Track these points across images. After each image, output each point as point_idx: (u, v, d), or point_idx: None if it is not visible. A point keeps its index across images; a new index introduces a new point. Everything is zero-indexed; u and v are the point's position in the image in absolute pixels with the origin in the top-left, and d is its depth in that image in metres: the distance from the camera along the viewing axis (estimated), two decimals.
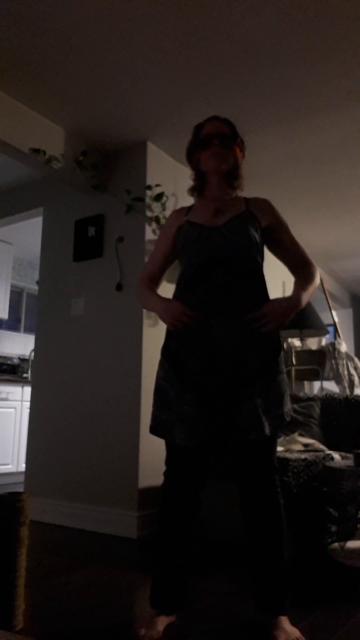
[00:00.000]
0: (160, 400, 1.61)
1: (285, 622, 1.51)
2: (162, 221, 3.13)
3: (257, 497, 1.56)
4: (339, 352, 4.29)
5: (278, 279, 4.33)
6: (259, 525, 1.56)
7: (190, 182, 1.81)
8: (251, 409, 1.50)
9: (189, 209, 1.77)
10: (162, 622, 1.54)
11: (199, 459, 1.59)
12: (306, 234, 4.69)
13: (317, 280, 1.69)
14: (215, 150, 1.67)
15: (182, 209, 1.79)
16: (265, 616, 1.54)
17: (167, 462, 1.64)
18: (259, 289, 1.61)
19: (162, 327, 3.06)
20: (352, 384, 4.18)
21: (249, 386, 1.52)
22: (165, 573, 1.58)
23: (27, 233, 4.82)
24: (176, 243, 1.73)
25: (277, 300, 1.59)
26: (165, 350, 1.64)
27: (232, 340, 1.53)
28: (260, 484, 1.56)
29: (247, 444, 1.54)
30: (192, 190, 1.79)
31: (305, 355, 4.15)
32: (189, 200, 1.94)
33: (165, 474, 1.63)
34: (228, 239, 1.60)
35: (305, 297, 1.62)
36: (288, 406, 1.59)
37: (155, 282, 1.78)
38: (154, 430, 1.61)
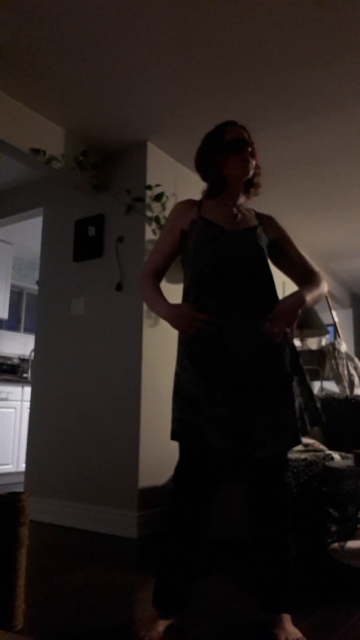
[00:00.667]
0: (186, 404, 1.55)
1: (287, 622, 1.51)
2: (162, 221, 3.12)
3: (267, 495, 1.57)
4: (339, 352, 4.29)
5: (278, 280, 4.32)
6: (266, 524, 1.56)
7: (194, 183, 1.81)
8: (292, 413, 1.53)
9: (199, 204, 1.72)
10: (162, 623, 1.54)
11: (217, 461, 1.56)
12: (306, 234, 4.69)
13: (323, 286, 1.69)
14: (245, 157, 1.67)
15: (191, 202, 1.73)
16: (268, 614, 1.54)
17: (182, 463, 1.59)
18: (270, 295, 1.63)
19: (161, 327, 3.07)
20: (352, 384, 4.18)
21: (284, 389, 1.54)
22: (170, 575, 1.56)
23: (27, 233, 4.82)
24: (186, 237, 1.69)
25: (281, 300, 1.59)
26: (190, 352, 1.58)
27: (247, 344, 1.54)
28: (270, 482, 1.57)
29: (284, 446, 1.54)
30: (209, 192, 1.74)
31: (305, 355, 4.15)
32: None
33: (178, 475, 1.59)
34: (243, 247, 1.61)
35: (309, 295, 1.60)
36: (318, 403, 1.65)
37: (159, 277, 1.74)
38: (179, 434, 1.55)
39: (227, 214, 1.67)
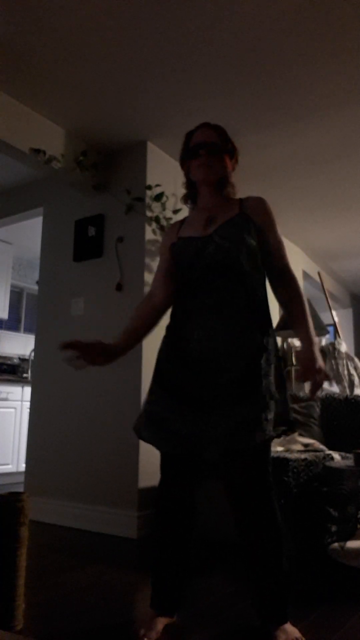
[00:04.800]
0: (146, 401, 1.65)
1: (286, 623, 1.50)
2: (162, 221, 3.13)
3: (251, 512, 1.50)
4: (339, 352, 4.29)
5: None
6: (254, 539, 1.50)
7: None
8: (251, 411, 1.45)
9: (181, 223, 1.75)
10: (161, 622, 1.54)
11: (189, 462, 1.56)
12: (306, 234, 4.69)
13: (299, 291, 1.59)
14: (202, 161, 1.65)
15: (174, 225, 1.78)
16: (266, 623, 1.52)
17: (160, 466, 1.62)
18: (244, 290, 1.55)
19: (161, 328, 3.06)
20: (352, 384, 4.18)
21: (232, 393, 1.46)
22: (163, 575, 1.57)
23: (27, 233, 4.82)
24: (172, 259, 1.70)
25: (300, 358, 1.51)
26: (160, 348, 1.68)
27: (210, 344, 1.50)
28: (246, 483, 1.50)
29: (237, 453, 1.49)
30: (185, 199, 1.79)
31: None
32: None
33: (161, 470, 1.63)
34: (218, 245, 1.57)
35: (309, 330, 1.53)
36: (284, 408, 1.53)
37: (154, 302, 1.76)
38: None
39: (200, 222, 1.66)
